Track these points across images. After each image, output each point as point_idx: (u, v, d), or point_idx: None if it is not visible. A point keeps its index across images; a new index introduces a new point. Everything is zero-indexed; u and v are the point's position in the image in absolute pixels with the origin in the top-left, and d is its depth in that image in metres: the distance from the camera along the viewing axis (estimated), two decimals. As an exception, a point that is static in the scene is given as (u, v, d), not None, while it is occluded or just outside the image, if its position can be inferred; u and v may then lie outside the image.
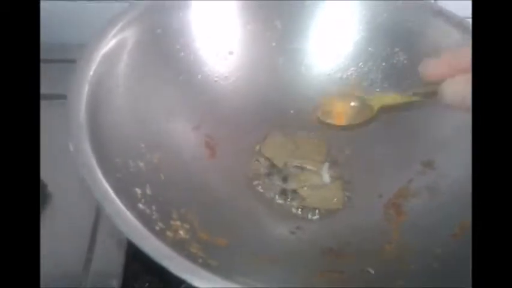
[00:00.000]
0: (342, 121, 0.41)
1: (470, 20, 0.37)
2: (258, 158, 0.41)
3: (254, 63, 0.42)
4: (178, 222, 0.31)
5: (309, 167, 0.41)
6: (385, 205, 0.37)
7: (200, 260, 0.28)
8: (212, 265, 0.28)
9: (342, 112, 0.41)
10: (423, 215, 0.36)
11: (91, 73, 0.31)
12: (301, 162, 0.41)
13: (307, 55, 0.43)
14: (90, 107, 0.29)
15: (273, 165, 0.40)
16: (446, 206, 0.35)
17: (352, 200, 0.39)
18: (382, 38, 0.42)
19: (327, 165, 0.41)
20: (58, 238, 0.35)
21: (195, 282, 0.22)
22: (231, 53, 0.41)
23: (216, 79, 0.41)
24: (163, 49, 0.38)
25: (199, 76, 0.40)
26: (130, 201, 0.27)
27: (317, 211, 0.38)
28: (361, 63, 0.43)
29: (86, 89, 0.30)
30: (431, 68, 0.31)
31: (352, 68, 0.43)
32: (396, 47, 0.41)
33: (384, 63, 0.42)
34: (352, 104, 0.41)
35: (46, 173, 0.29)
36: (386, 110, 0.39)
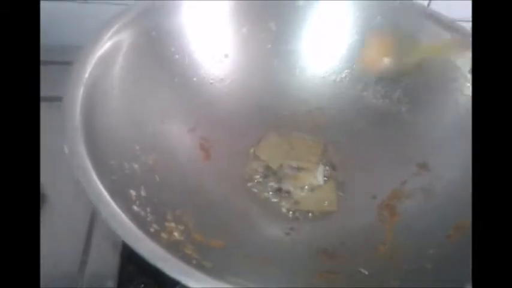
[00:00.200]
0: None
1: (461, 23, 0.38)
2: (252, 160, 0.41)
3: (249, 65, 0.42)
4: (173, 224, 0.31)
5: (303, 167, 0.41)
6: (379, 206, 0.37)
7: (194, 262, 0.28)
8: (206, 266, 0.28)
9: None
10: (417, 216, 0.36)
11: (86, 75, 0.31)
12: (296, 163, 0.41)
13: (301, 57, 0.43)
14: (85, 109, 0.29)
15: (267, 167, 0.40)
16: (441, 208, 0.36)
17: (346, 201, 0.39)
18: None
19: (321, 166, 0.41)
20: (53, 240, 0.35)
21: (189, 284, 0.23)
22: (226, 55, 0.42)
23: (211, 81, 0.41)
24: (158, 52, 0.38)
25: (195, 78, 0.40)
26: (125, 203, 0.27)
27: (311, 213, 0.38)
28: (354, 66, 0.43)
29: (81, 91, 0.30)
30: None
31: (346, 71, 0.43)
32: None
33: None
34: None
35: (41, 174, 0.29)
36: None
